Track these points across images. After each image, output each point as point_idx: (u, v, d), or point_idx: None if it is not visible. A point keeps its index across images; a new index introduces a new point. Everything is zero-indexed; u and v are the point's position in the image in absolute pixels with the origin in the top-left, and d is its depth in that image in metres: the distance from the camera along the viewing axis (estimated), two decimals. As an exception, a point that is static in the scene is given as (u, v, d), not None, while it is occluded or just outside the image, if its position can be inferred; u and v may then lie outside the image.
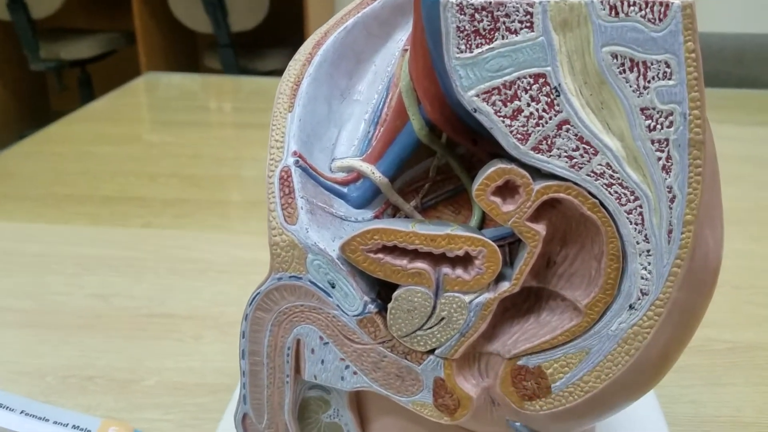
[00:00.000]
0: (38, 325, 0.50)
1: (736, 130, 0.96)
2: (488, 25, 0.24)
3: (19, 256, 0.60)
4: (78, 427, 0.35)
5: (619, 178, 0.24)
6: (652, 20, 0.23)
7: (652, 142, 0.24)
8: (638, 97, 0.23)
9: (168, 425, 0.40)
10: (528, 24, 0.23)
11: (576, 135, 0.24)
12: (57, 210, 0.69)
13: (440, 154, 0.30)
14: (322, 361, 0.29)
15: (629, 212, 0.25)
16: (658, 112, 0.23)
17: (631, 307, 0.26)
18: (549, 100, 0.24)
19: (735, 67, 1.29)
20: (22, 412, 0.35)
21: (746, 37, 1.32)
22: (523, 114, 0.24)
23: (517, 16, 0.23)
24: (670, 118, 0.23)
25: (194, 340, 0.48)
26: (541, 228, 0.26)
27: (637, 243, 0.25)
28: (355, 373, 0.29)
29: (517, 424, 0.27)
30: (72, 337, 0.48)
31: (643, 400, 0.40)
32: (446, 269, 0.27)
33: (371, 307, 0.28)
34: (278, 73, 2.20)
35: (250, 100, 1.11)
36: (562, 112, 0.24)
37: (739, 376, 0.45)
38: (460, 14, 0.24)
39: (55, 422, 0.35)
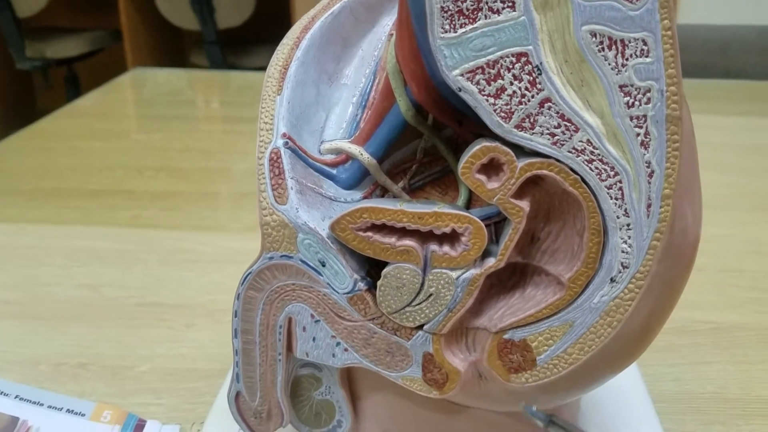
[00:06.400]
0: (29, 316, 0.50)
1: (722, 120, 0.98)
2: (471, 5, 0.24)
3: (9, 250, 0.60)
4: (72, 411, 0.36)
5: (599, 155, 0.25)
6: (630, -1, 0.23)
7: (631, 118, 0.25)
8: (617, 74, 0.24)
9: (161, 409, 0.40)
10: (510, 4, 0.24)
11: (557, 112, 0.25)
12: (46, 204, 0.69)
13: (427, 136, 0.30)
14: (314, 339, 0.30)
15: (609, 187, 0.25)
16: (636, 89, 0.24)
17: (612, 280, 0.26)
18: (531, 78, 0.25)
19: (720, 58, 1.30)
20: (16, 396, 0.35)
21: (730, 28, 1.34)
22: (506, 92, 0.25)
23: (499, -4, 0.24)
24: (648, 94, 0.24)
25: (185, 328, 0.48)
26: (525, 204, 0.26)
27: (618, 217, 0.26)
28: (345, 350, 0.30)
29: (533, 408, 0.27)
30: (63, 326, 0.49)
31: (627, 378, 0.41)
32: (434, 246, 0.28)
33: (361, 285, 0.29)
34: (265, 69, 2.19)
35: (237, 95, 1.11)
36: (543, 90, 0.25)
37: (722, 355, 0.46)
38: (444, -5, 0.24)
39: (49, 406, 0.35)
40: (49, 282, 0.55)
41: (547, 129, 0.25)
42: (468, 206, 0.30)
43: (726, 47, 1.31)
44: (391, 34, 0.31)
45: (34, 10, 2.35)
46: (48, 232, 0.63)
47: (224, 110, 1.04)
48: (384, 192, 0.31)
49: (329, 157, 0.30)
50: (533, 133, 0.25)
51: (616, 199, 0.26)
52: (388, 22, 0.32)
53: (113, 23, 2.58)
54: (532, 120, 0.25)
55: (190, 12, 2.19)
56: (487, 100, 0.25)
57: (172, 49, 2.67)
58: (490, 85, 0.25)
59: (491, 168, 0.26)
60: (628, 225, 0.26)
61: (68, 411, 0.36)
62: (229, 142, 0.89)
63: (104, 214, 0.67)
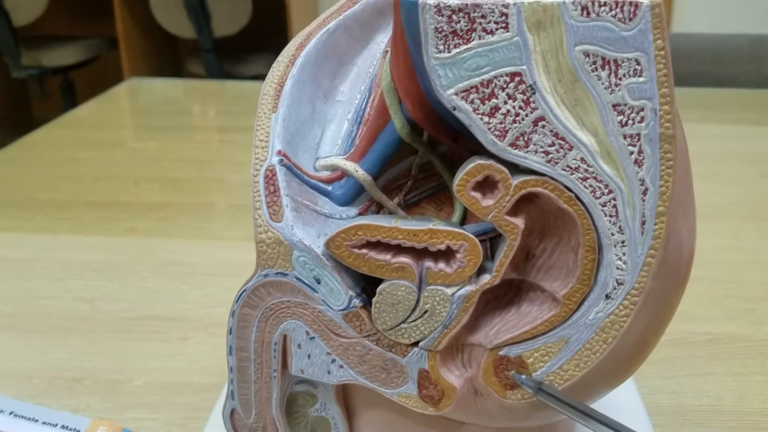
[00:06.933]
0: (24, 329, 0.50)
1: (716, 128, 0.98)
2: (465, 26, 0.25)
3: (4, 262, 0.60)
4: (67, 427, 0.36)
5: (593, 172, 0.25)
6: (623, 20, 0.24)
7: (625, 137, 0.25)
8: (610, 93, 0.24)
9: (156, 424, 0.40)
10: (503, 24, 0.24)
11: (551, 131, 0.25)
12: (41, 215, 0.69)
13: (422, 152, 0.31)
14: (309, 356, 0.30)
15: (604, 205, 0.26)
16: (629, 108, 0.24)
17: (607, 296, 0.27)
18: (525, 97, 0.25)
19: (713, 66, 1.31)
20: (11, 413, 0.35)
21: (723, 37, 1.34)
22: (500, 111, 0.25)
23: (493, 17, 0.24)
24: (641, 113, 0.24)
25: (181, 341, 0.48)
26: (519, 221, 0.27)
27: (612, 234, 0.26)
28: (341, 366, 0.30)
29: (523, 377, 0.28)
30: (58, 340, 0.49)
31: (623, 390, 0.41)
32: (429, 263, 0.28)
33: (356, 302, 0.29)
34: (262, 77, 2.20)
35: (233, 105, 1.11)
36: (537, 109, 0.25)
37: (718, 367, 0.46)
38: (438, 15, 0.25)
39: (44, 422, 0.35)
40: (43, 294, 0.54)
41: (542, 147, 0.25)
42: (463, 222, 0.30)
43: (719, 56, 1.32)
44: (386, 51, 0.31)
45: (29, 18, 2.35)
46: (43, 243, 0.63)
47: (220, 120, 1.04)
48: (379, 208, 0.31)
49: (324, 174, 0.31)
50: (527, 152, 0.26)
51: (611, 216, 0.26)
52: (383, 39, 0.33)
53: (109, 31, 2.59)
54: (526, 138, 0.25)
55: (186, 20, 2.19)
56: (482, 119, 0.25)
57: (169, 56, 2.67)
58: (484, 104, 0.25)
59: (486, 185, 0.27)
60: (623, 242, 0.26)
61: (63, 427, 0.36)
62: (225, 152, 0.89)
63: (99, 226, 0.67)
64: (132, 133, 0.98)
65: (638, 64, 0.24)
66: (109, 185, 0.77)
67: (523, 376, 0.28)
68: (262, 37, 2.53)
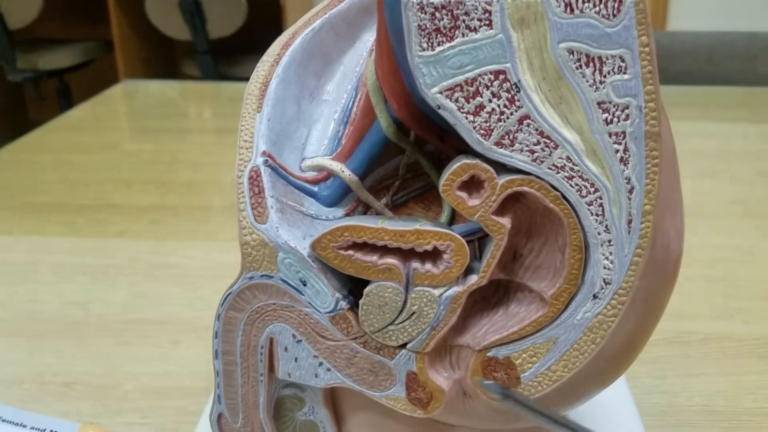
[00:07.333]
0: (15, 333, 0.50)
1: (710, 126, 0.98)
2: (448, 24, 0.24)
3: (-4, 266, 0.59)
4: (55, 432, 0.35)
5: (579, 171, 0.25)
6: (606, 16, 0.23)
7: (610, 135, 0.24)
8: (595, 91, 0.24)
9: (146, 428, 0.40)
10: (487, 22, 0.24)
11: (536, 129, 0.25)
12: (33, 219, 0.69)
13: (409, 152, 0.30)
14: (296, 359, 0.29)
15: (590, 204, 0.25)
16: (614, 106, 0.24)
17: (594, 296, 0.26)
18: (510, 95, 0.25)
19: (707, 64, 1.31)
20: (-2, 418, 0.35)
21: (718, 35, 1.34)
22: (485, 110, 0.25)
23: (476, 14, 0.24)
24: (626, 111, 0.24)
25: (171, 345, 0.48)
26: (506, 221, 0.26)
27: (599, 233, 0.26)
28: (328, 369, 0.29)
29: (488, 382, 0.27)
30: (49, 344, 0.48)
31: (615, 391, 0.41)
32: (416, 264, 0.27)
33: (343, 304, 0.28)
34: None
35: (228, 106, 1.11)
36: (522, 107, 0.25)
37: (711, 367, 0.46)
38: (421, 13, 0.24)
39: (33, 428, 0.35)
40: (34, 299, 0.54)
41: (527, 146, 0.25)
42: (451, 222, 0.30)
43: (713, 54, 1.32)
44: (372, 50, 0.31)
45: (25, 21, 2.35)
46: (34, 247, 0.63)
47: (215, 122, 1.04)
48: (366, 209, 0.30)
49: (310, 175, 0.30)
50: (513, 150, 0.25)
51: (597, 215, 0.25)
52: (369, 37, 0.32)
53: (104, 34, 2.58)
54: (511, 137, 0.25)
55: (181, 22, 2.19)
56: (467, 118, 0.25)
57: (164, 59, 2.67)
58: (468, 102, 0.25)
59: (472, 185, 0.26)
60: (610, 241, 0.26)
61: (51, 432, 0.35)
62: (220, 153, 0.89)
63: (92, 229, 0.67)
64: (127, 135, 0.98)
65: (623, 60, 0.24)
66: (103, 188, 0.77)
67: (488, 381, 0.27)
68: (258, 39, 2.52)
